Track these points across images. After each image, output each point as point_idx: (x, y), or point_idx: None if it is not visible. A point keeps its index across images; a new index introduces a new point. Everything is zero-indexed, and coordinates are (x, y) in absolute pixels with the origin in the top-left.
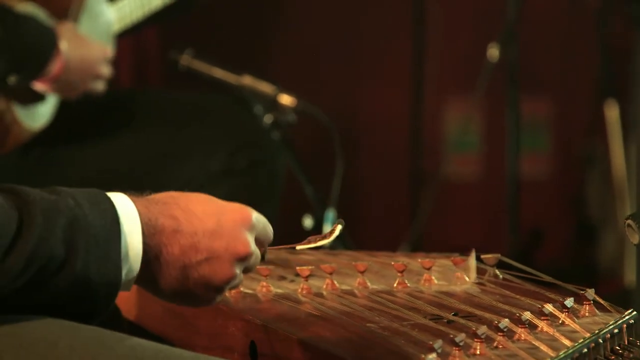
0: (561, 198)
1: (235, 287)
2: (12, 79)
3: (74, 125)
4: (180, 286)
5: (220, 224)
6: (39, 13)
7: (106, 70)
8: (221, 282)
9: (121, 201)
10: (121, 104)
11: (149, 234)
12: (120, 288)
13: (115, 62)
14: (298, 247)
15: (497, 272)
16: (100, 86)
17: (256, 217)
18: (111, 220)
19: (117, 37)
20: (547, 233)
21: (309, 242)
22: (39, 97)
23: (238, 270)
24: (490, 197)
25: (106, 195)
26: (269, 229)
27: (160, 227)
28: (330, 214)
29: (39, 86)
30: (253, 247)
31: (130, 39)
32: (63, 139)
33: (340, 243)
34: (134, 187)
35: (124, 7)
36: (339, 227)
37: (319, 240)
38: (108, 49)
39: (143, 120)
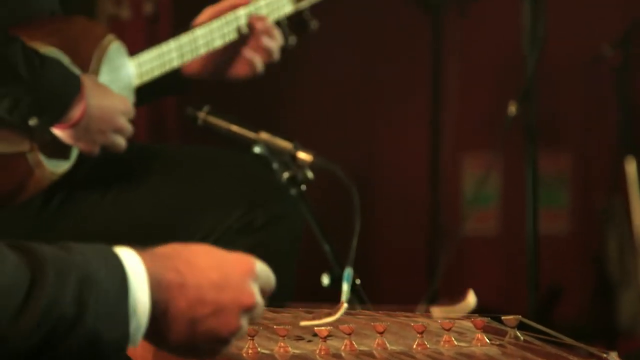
0: (580, 254)
1: (241, 337)
2: (33, 121)
3: (94, 174)
4: (187, 340)
5: (225, 275)
6: (63, 58)
7: (127, 124)
8: (228, 334)
9: (128, 256)
10: (139, 157)
11: (156, 289)
12: (128, 345)
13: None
14: (302, 324)
15: (518, 333)
16: (120, 141)
17: (259, 266)
18: (120, 276)
19: (135, 107)
20: (566, 289)
21: (314, 319)
22: (64, 153)
23: (244, 322)
24: (508, 253)
25: (114, 251)
26: (272, 277)
27: (166, 281)
28: (348, 272)
29: (59, 132)
30: (258, 297)
31: None
32: (82, 189)
33: (358, 301)
34: (151, 241)
35: (144, 63)
36: (345, 306)
37: (324, 317)
38: (130, 103)
39: (161, 174)
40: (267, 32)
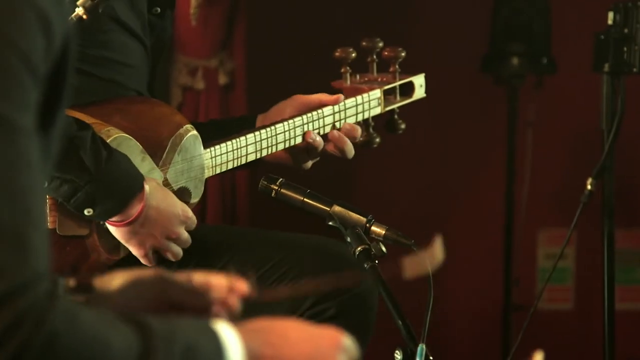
0: None
1: None
2: (89, 212)
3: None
4: None
5: (316, 347)
6: (134, 146)
7: (184, 233)
8: None
9: (224, 329)
10: (211, 238)
11: None
12: None
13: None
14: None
15: None
16: (175, 249)
17: (346, 339)
18: (218, 348)
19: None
20: None
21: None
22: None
23: None
24: (584, 330)
25: (210, 324)
26: (356, 351)
27: (261, 354)
28: (422, 348)
29: (111, 228)
30: None
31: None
32: (160, 266)
33: None
34: None
35: (218, 157)
36: (439, 241)
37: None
38: (191, 213)
39: (232, 258)
40: (340, 141)
